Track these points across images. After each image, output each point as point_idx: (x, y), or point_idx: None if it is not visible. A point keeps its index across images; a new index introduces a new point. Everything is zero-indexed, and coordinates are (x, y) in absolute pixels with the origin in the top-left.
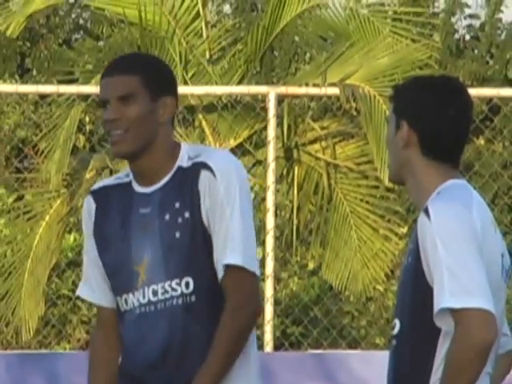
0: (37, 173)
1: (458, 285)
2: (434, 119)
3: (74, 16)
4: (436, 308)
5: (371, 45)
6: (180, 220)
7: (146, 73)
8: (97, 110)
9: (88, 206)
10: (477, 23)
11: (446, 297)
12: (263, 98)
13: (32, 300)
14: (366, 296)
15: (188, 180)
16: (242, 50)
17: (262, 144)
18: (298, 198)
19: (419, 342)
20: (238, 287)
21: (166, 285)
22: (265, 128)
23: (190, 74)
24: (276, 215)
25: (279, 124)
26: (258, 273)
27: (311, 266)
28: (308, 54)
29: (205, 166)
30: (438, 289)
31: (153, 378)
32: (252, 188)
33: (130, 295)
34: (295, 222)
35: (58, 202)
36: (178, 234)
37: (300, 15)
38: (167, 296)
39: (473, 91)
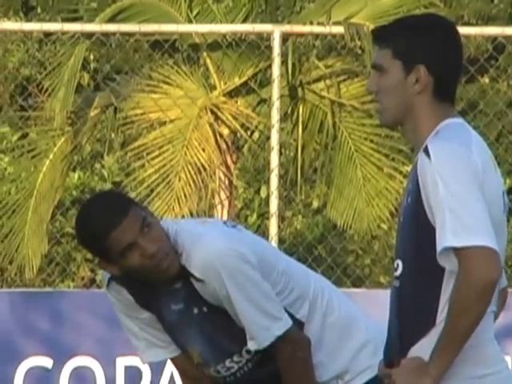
0: (41, 111)
1: (460, 223)
2: (454, 62)
3: None
4: (439, 247)
5: None
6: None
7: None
8: (101, 48)
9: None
10: None
11: (448, 236)
12: (268, 37)
13: (36, 238)
14: (370, 234)
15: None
16: None
17: (266, 82)
18: (302, 136)
19: (423, 282)
20: (278, 356)
21: (227, 362)
22: (269, 66)
23: (194, 12)
24: (280, 154)
25: (284, 62)
26: (281, 331)
27: (315, 204)
28: None
29: (191, 275)
30: (440, 228)
31: None
32: (257, 127)
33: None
34: (300, 160)
35: (62, 140)
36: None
37: None
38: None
39: (477, 30)
